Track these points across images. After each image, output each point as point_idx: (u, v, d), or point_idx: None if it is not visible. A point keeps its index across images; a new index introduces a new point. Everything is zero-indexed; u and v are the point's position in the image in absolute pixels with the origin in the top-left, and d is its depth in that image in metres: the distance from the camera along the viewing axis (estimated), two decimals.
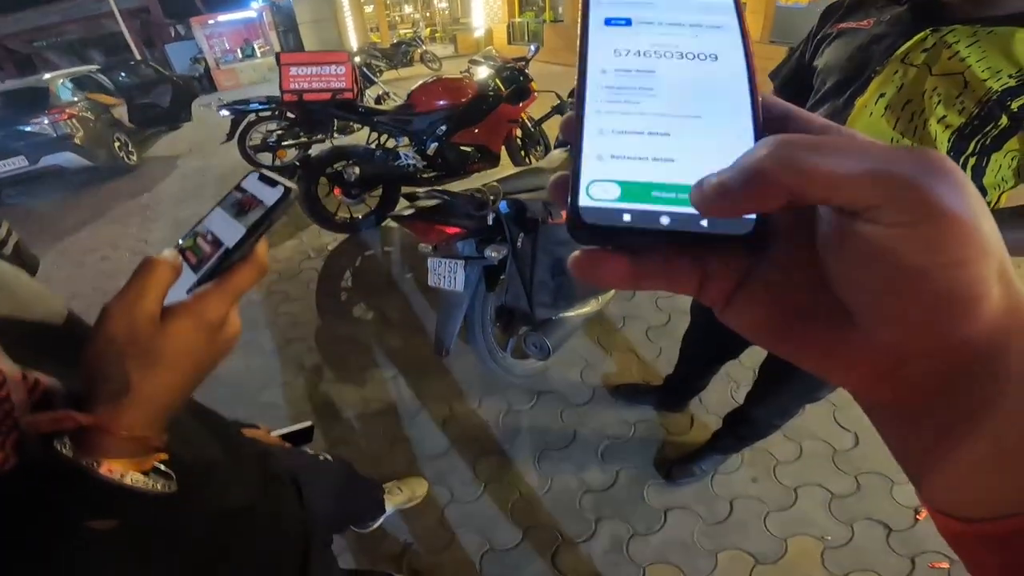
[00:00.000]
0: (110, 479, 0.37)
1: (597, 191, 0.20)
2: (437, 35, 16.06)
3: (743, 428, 1.60)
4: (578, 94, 0.22)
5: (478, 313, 1.93)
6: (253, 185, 0.46)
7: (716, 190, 0.17)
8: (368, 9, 15.86)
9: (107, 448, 0.37)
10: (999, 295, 0.15)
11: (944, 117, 0.88)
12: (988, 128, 0.86)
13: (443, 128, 3.36)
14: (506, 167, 2.80)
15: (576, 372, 2.22)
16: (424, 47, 11.02)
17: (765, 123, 0.20)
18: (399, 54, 10.75)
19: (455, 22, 13.63)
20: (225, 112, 4.36)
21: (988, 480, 0.16)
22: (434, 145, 3.35)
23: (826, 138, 0.16)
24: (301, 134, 3.85)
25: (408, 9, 20.01)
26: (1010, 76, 0.84)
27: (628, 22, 0.23)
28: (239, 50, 14.13)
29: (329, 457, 1.04)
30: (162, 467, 0.41)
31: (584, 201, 0.20)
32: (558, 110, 3.62)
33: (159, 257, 0.39)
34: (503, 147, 3.62)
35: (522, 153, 3.78)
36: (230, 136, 4.63)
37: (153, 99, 7.84)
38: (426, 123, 3.34)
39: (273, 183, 0.45)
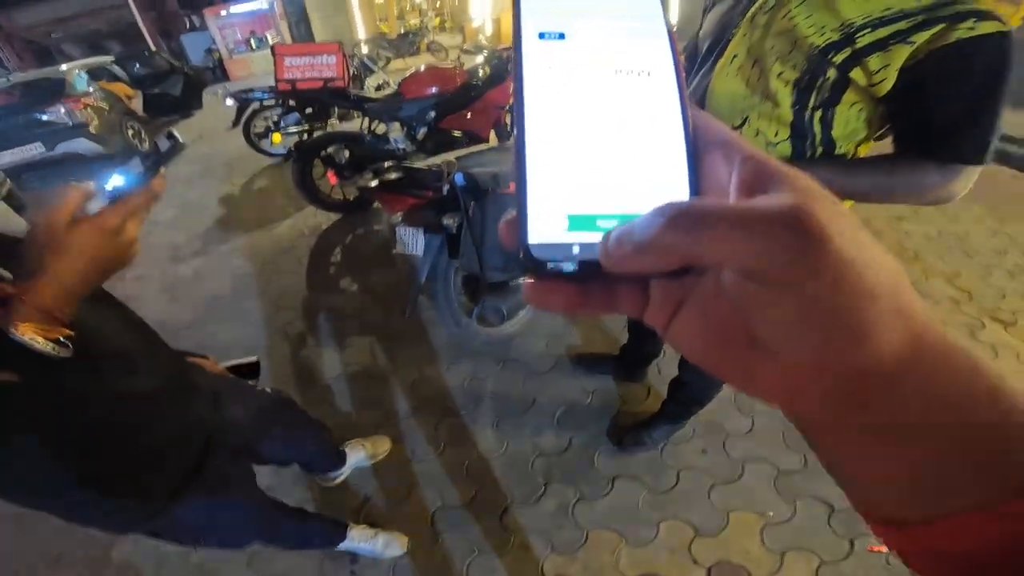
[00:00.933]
0: (18, 338, 0.50)
1: (543, 227, 0.20)
2: (447, 25, 16.08)
3: (680, 392, 1.66)
4: (517, 121, 0.21)
5: (441, 279, 2.07)
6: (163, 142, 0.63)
7: (617, 250, 0.19)
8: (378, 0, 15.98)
9: (23, 314, 0.51)
10: (896, 329, 0.17)
11: (781, 73, 0.93)
12: (819, 82, 0.90)
13: (432, 114, 3.47)
14: None
15: (541, 342, 2.32)
16: (431, 36, 11.10)
17: (703, 147, 0.21)
18: (406, 44, 10.84)
19: (463, 12, 13.66)
20: (230, 101, 4.57)
21: (899, 488, 0.18)
22: (423, 130, 3.47)
23: (716, 207, 0.17)
24: (302, 121, 4.00)
25: None
26: (833, 31, 0.88)
27: (561, 36, 0.23)
28: (251, 40, 14.37)
29: (268, 390, 1.17)
30: (63, 339, 0.54)
31: (532, 238, 0.20)
32: None
33: (75, 185, 0.56)
34: (492, 131, 3.71)
35: (510, 136, 3.89)
36: (235, 123, 4.80)
37: (165, 89, 8.12)
38: (416, 109, 3.46)
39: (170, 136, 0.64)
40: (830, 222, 0.16)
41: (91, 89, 6.15)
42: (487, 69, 3.62)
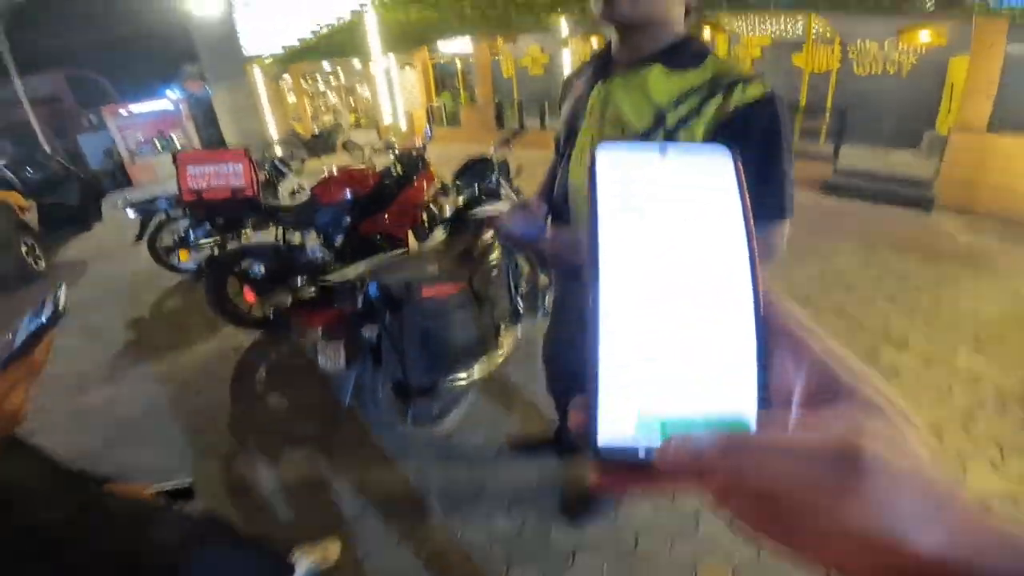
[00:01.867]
0: None
1: (613, 428, 0.21)
2: (362, 122, 16.62)
3: None
4: (592, 308, 0.21)
5: (368, 387, 2.13)
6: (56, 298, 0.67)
7: (674, 460, 0.20)
8: (291, 99, 16.35)
9: None
10: (932, 533, 0.17)
11: None
12: None
13: (347, 219, 3.51)
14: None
15: (481, 433, 2.39)
16: (347, 135, 11.41)
17: (775, 339, 0.22)
18: (321, 143, 11.07)
19: (377, 108, 14.27)
20: (132, 212, 4.28)
21: None
22: (341, 237, 3.49)
23: (769, 443, 0.19)
24: (213, 233, 3.83)
25: (332, 98, 20.73)
26: (649, 114, 0.97)
27: (640, 212, 0.22)
28: (155, 142, 13.47)
29: (196, 512, 1.17)
30: None
31: (603, 440, 0.21)
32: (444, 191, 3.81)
33: None
34: (410, 232, 3.75)
35: (428, 235, 4.02)
36: (139, 237, 4.51)
37: (61, 197, 7.37)
38: (330, 216, 3.49)
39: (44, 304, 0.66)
40: (876, 451, 0.18)
41: None
42: (399, 168, 3.73)
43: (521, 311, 2.60)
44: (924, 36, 6.57)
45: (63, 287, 1.16)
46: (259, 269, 2.94)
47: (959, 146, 5.68)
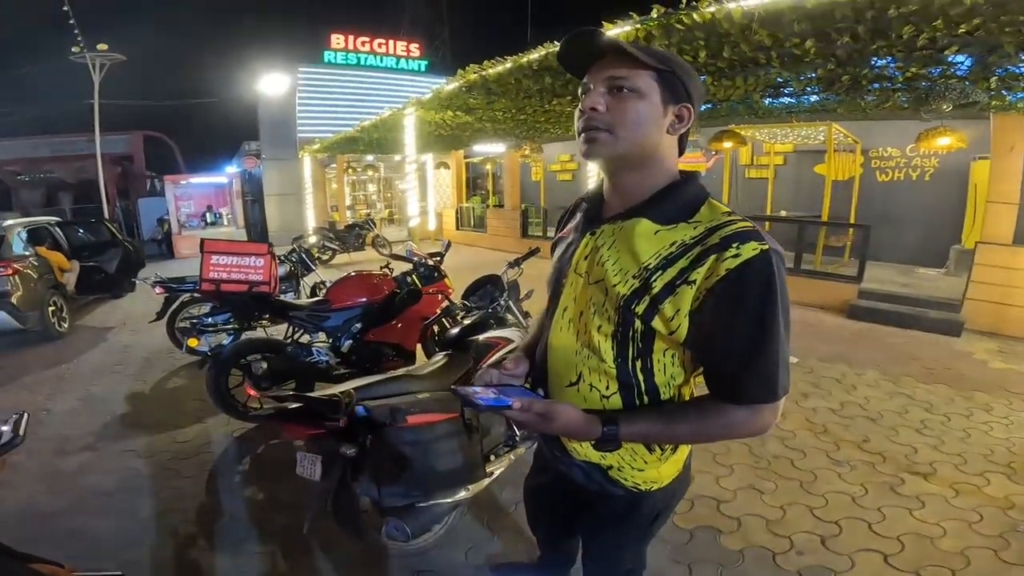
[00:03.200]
0: None
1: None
2: (395, 217, 17.34)
3: None
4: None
5: (344, 500, 2.02)
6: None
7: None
8: (334, 186, 17.36)
9: None
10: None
11: (600, 327, 0.93)
12: (631, 333, 0.91)
13: (358, 326, 3.50)
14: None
15: (461, 552, 2.25)
16: (376, 231, 11.68)
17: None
18: (352, 236, 11.24)
19: (406, 207, 14.83)
20: (159, 290, 4.46)
21: None
22: (349, 343, 3.45)
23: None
24: (230, 321, 3.90)
25: (372, 188, 21.84)
26: (634, 276, 0.89)
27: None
28: (204, 215, 14.04)
29: None
30: None
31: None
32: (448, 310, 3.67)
33: None
34: (419, 344, 3.72)
35: (438, 350, 3.92)
36: (159, 315, 4.64)
37: (101, 263, 7.61)
38: (341, 320, 3.49)
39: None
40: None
41: (27, 253, 5.78)
42: (415, 278, 3.75)
43: (517, 437, 2.49)
44: (944, 141, 6.64)
45: (25, 417, 1.16)
46: (262, 366, 2.94)
47: (985, 261, 5.52)
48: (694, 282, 0.83)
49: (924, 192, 8.15)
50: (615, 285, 0.90)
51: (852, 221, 7.86)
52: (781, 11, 3.45)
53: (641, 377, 0.94)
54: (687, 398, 1.00)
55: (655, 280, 0.86)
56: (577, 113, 0.95)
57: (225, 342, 3.53)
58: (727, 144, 8.12)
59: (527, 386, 1.11)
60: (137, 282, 7.69)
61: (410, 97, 8.28)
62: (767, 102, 6.04)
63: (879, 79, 4.60)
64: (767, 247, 0.81)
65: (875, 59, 4.09)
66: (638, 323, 0.89)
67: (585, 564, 1.31)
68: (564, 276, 1.04)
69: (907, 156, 8.28)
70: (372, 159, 16.63)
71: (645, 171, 0.93)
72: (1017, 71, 3.94)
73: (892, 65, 4.18)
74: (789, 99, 5.82)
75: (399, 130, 8.74)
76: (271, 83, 14.86)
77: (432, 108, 7.94)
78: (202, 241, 3.58)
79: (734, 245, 0.81)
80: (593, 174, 9.75)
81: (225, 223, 14.38)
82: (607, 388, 0.96)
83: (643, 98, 0.89)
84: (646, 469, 1.03)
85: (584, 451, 1.04)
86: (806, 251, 7.18)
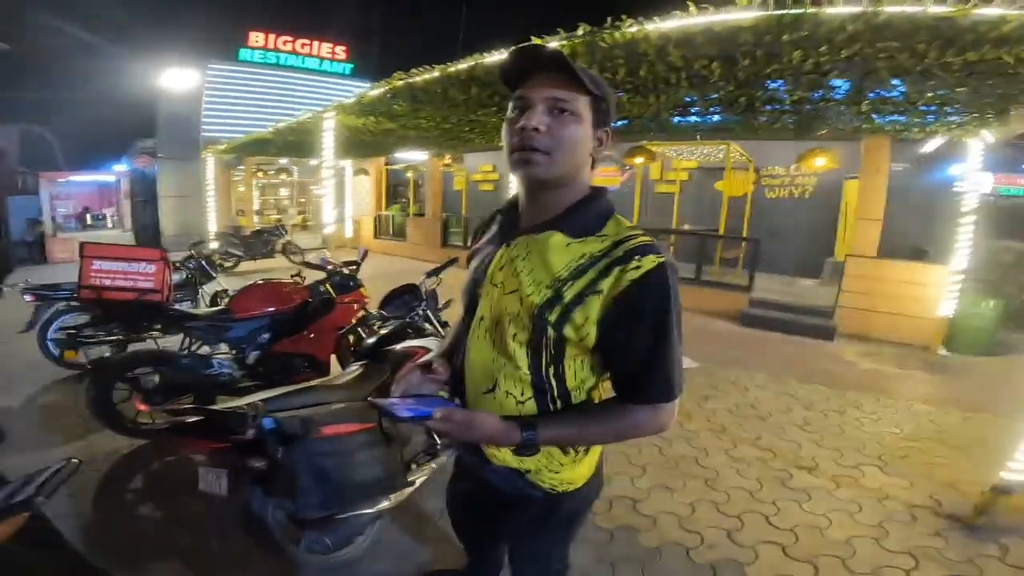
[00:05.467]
0: None
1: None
2: (308, 223, 16.49)
3: None
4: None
5: (255, 515, 1.93)
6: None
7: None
8: (241, 189, 16.15)
9: None
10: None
11: (516, 335, 0.96)
12: (544, 340, 0.94)
13: (266, 336, 3.26)
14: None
15: (388, 563, 2.18)
16: (288, 237, 10.99)
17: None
18: (260, 243, 10.48)
19: (322, 213, 14.15)
20: (27, 297, 3.97)
21: None
22: (255, 354, 3.20)
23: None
24: (114, 331, 3.47)
25: (284, 192, 20.58)
26: (547, 286, 0.92)
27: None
28: (86, 216, 12.56)
29: None
30: None
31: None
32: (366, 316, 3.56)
33: None
34: (333, 355, 3.52)
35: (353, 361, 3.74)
36: (30, 325, 4.06)
37: None
38: (246, 330, 3.23)
39: None
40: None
41: None
42: (329, 287, 3.54)
43: (438, 445, 2.44)
44: (820, 161, 7.45)
45: (63, 469, 0.99)
46: (153, 380, 2.64)
47: (853, 273, 6.29)
48: (601, 291, 0.89)
49: (804, 209, 9.11)
50: (529, 295, 0.93)
51: (744, 235, 8.62)
52: (693, 34, 3.75)
53: (554, 382, 0.98)
54: (596, 400, 1.05)
55: (566, 290, 0.91)
56: (509, 127, 0.95)
57: (108, 354, 3.15)
58: (639, 159, 8.63)
59: (444, 395, 1.10)
60: (4, 289, 6.78)
61: (331, 101, 7.98)
62: (675, 120, 6.44)
63: (771, 101, 5.07)
64: (664, 259, 0.89)
65: (769, 82, 4.51)
66: (551, 331, 0.93)
67: (512, 568, 1.32)
68: (480, 287, 1.04)
69: (791, 175, 9.22)
70: (286, 162, 15.80)
71: (564, 189, 0.97)
72: (887, 95, 4.47)
73: (782, 88, 4.63)
74: (695, 118, 6.25)
75: (317, 134, 8.39)
76: (174, 78, 13.55)
77: (354, 113, 7.74)
78: (82, 245, 3.25)
79: (636, 257, 0.88)
80: (514, 184, 9.87)
81: (110, 225, 12.87)
82: (522, 394, 0.99)
83: (580, 122, 0.93)
84: (562, 471, 1.06)
85: (503, 456, 1.05)
86: (706, 262, 7.77)
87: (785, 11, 3.33)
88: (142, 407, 2.68)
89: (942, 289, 5.70)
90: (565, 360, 0.96)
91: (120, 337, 3.47)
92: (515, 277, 0.96)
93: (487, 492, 1.15)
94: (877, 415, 3.90)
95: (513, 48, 0.93)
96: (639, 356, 0.92)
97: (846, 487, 2.87)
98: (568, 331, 0.92)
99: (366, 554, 2.17)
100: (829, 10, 3.24)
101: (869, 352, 5.63)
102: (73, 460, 0.92)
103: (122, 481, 2.78)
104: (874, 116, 5.19)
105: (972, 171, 5.85)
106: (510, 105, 0.97)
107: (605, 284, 0.89)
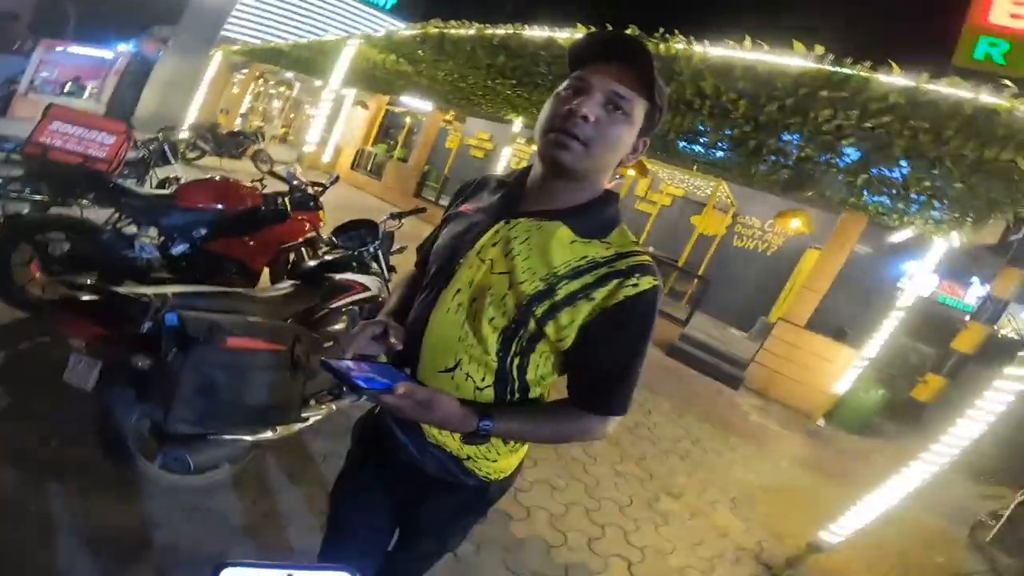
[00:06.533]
0: None
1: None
2: (289, 138, 15.98)
3: None
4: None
5: (118, 416, 1.81)
6: None
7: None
8: (235, 91, 15.51)
9: None
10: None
11: (493, 319, 0.91)
12: (522, 332, 0.90)
13: (203, 232, 3.13)
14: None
15: (250, 497, 2.10)
16: (262, 145, 10.72)
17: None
18: (232, 144, 10.18)
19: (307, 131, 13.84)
20: None
21: None
22: (184, 247, 3.08)
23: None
24: (43, 192, 3.27)
25: (276, 104, 19.87)
26: (541, 279, 0.88)
27: None
28: (66, 84, 12.25)
29: None
30: None
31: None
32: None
33: None
34: (267, 267, 3.41)
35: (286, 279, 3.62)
36: None
37: None
38: (185, 219, 3.09)
39: None
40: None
41: None
42: (287, 200, 3.42)
43: (345, 389, 2.40)
44: (795, 223, 7.72)
45: None
46: (63, 247, 2.48)
47: (778, 336, 6.66)
48: (594, 299, 0.87)
49: (762, 264, 9.44)
50: (522, 283, 0.89)
51: (700, 273, 8.85)
52: (733, 66, 3.71)
53: (515, 374, 0.95)
54: (546, 397, 1.04)
55: (560, 287, 0.88)
56: (556, 105, 0.89)
57: (25, 212, 2.97)
58: (632, 171, 8.66)
59: (386, 362, 1.00)
60: None
61: (359, 29, 7.69)
62: (681, 144, 6.46)
63: (778, 152, 5.10)
64: (658, 283, 0.88)
65: (784, 133, 4.51)
66: (532, 324, 0.89)
67: (404, 546, 1.20)
68: (460, 256, 0.96)
69: (764, 229, 9.49)
70: (290, 76, 15.18)
71: (582, 184, 0.93)
72: (887, 174, 4.50)
73: (795, 142, 4.63)
74: (700, 148, 6.27)
75: (334, 57, 8.13)
76: None
77: (379, 47, 7.50)
78: (49, 105, 3.19)
79: (636, 275, 0.87)
80: (505, 158, 9.80)
81: (86, 96, 12.50)
82: (483, 380, 0.95)
83: (631, 125, 0.90)
84: (499, 460, 1.04)
85: (444, 439, 1.00)
86: None
87: (838, 69, 3.28)
88: (38, 274, 2.53)
89: (844, 368, 6.10)
90: (532, 354, 0.93)
91: (46, 198, 3.27)
92: (508, 259, 0.91)
93: (408, 473, 1.07)
94: (747, 463, 4.25)
95: (600, 31, 0.88)
96: (611, 368, 0.92)
97: (699, 518, 3.11)
98: (550, 328, 0.89)
99: (227, 483, 2.07)
100: (881, 77, 3.17)
101: (763, 407, 6.09)
102: None
103: None
104: (865, 192, 5.27)
105: (923, 269, 6.18)
106: (565, 83, 0.91)
107: (600, 293, 0.87)
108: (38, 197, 3.27)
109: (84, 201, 3.32)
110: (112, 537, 1.76)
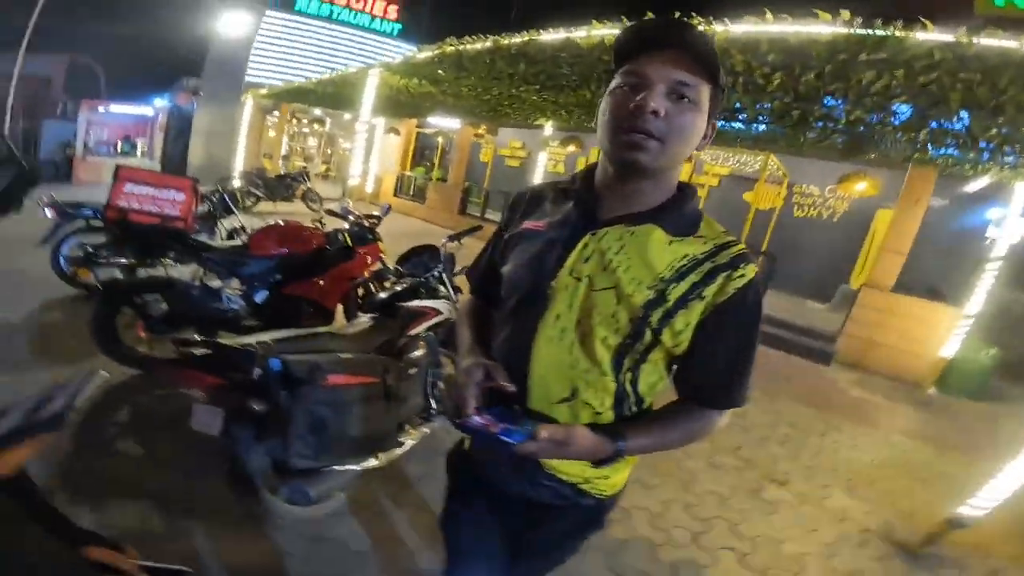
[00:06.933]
0: None
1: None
2: (331, 174, 16.56)
3: None
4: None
5: (244, 457, 1.90)
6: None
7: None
8: (272, 134, 16.28)
9: None
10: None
11: (606, 338, 0.87)
12: (637, 345, 0.87)
13: (278, 276, 3.28)
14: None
15: (362, 522, 2.17)
16: (309, 184, 11.05)
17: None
18: (282, 187, 10.57)
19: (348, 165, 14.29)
20: (50, 212, 3.97)
21: None
22: (264, 293, 3.23)
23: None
24: (129, 254, 3.54)
25: (312, 142, 20.65)
26: (649, 287, 0.84)
27: None
28: (118, 144, 13.02)
29: None
30: None
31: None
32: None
33: None
34: (340, 304, 3.54)
35: (360, 314, 3.75)
36: (45, 240, 4.05)
37: None
38: (261, 267, 3.27)
39: None
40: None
41: None
42: (348, 236, 3.58)
43: (435, 411, 2.47)
44: (861, 186, 7.30)
45: (94, 379, 0.84)
46: (160, 307, 2.67)
47: (865, 303, 6.25)
48: (705, 297, 0.84)
49: (829, 232, 8.95)
50: (631, 295, 0.84)
51: (764, 249, 8.49)
52: (760, 41, 3.65)
53: (630, 388, 0.92)
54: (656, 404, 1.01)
55: (670, 292, 0.84)
56: (616, 104, 0.84)
57: (120, 277, 3.19)
58: None
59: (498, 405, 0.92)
60: (27, 202, 6.83)
61: (373, 59, 7.99)
62: (719, 124, 6.26)
63: (825, 118, 4.92)
64: (758, 270, 0.87)
65: (828, 99, 4.37)
66: (648, 335, 0.86)
67: (526, 571, 1.15)
68: (547, 278, 0.90)
69: (824, 196, 9.03)
70: (320, 113, 15.81)
71: (660, 180, 0.89)
72: (948, 127, 4.33)
73: (841, 106, 4.48)
74: (740, 124, 6.11)
75: (359, 88, 8.43)
76: (230, 22, 13.58)
77: (399, 73, 7.71)
78: (117, 167, 3.33)
79: (740, 265, 0.85)
80: (542, 164, 9.79)
81: (139, 154, 13.29)
82: (602, 404, 0.91)
83: (699, 111, 0.85)
84: (612, 476, 1.01)
85: (564, 468, 0.96)
86: None
87: (870, 31, 3.22)
88: (143, 334, 2.71)
89: (948, 330, 5.67)
90: (645, 364, 0.90)
91: (133, 262, 3.51)
92: (609, 273, 0.86)
93: (518, 503, 1.03)
94: (855, 441, 3.99)
95: (644, 21, 0.84)
96: (729, 362, 0.90)
97: (811, 504, 2.97)
98: (666, 336, 0.86)
99: (342, 512, 2.18)
100: (919, 35, 3.13)
101: (862, 381, 5.69)
102: (102, 372, 0.82)
103: (106, 412, 2.71)
104: (929, 147, 5.03)
105: (1011, 216, 5.71)
106: (616, 79, 0.86)
107: (710, 290, 0.84)
108: (124, 261, 3.52)
109: (168, 260, 3.57)
110: (247, 569, 1.88)
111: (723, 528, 2.59)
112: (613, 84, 0.86)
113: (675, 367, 0.94)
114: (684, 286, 0.84)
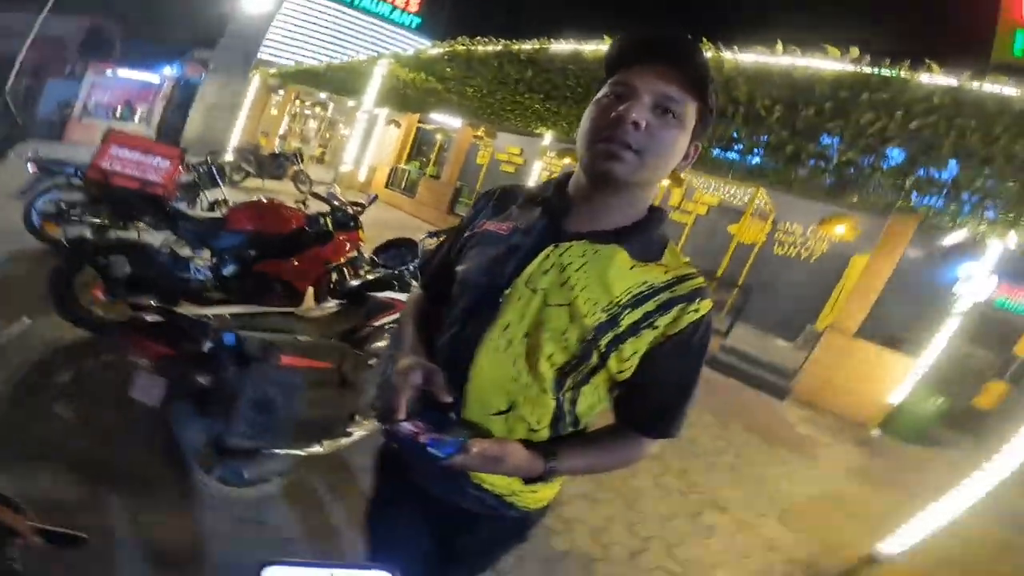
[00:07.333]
0: None
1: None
2: (325, 158, 16.49)
3: None
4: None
5: (180, 431, 1.92)
6: None
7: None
8: (273, 112, 16.19)
9: None
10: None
11: (552, 355, 0.84)
12: (582, 367, 0.85)
13: (252, 252, 3.27)
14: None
15: (298, 509, 2.16)
16: (301, 166, 10.99)
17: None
18: (273, 165, 10.53)
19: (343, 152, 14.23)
20: (32, 167, 3.94)
21: None
22: (234, 268, 3.22)
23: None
24: (103, 215, 3.51)
25: (312, 124, 20.58)
26: (603, 310, 0.82)
27: None
28: (118, 108, 13.06)
29: None
30: None
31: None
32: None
33: None
34: (312, 287, 3.54)
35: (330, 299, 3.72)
36: (23, 192, 4.00)
37: None
38: (234, 241, 3.25)
39: None
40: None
41: None
42: (329, 220, 3.57)
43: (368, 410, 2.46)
44: (840, 229, 7.44)
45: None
46: (125, 270, 2.63)
47: (827, 345, 6.44)
48: (657, 327, 0.83)
49: (806, 272, 9.12)
50: (584, 315, 0.81)
51: (740, 282, 8.63)
52: (771, 73, 3.69)
53: (567, 408, 0.90)
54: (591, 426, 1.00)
55: (623, 318, 0.82)
56: (599, 113, 0.81)
57: (88, 236, 3.14)
58: (666, 181, 8.53)
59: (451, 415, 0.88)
60: (12, 155, 6.73)
61: (387, 50, 8.00)
62: (715, 152, 6.35)
63: (818, 156, 4.96)
64: (712, 305, 0.87)
65: (824, 136, 4.40)
66: (595, 358, 0.84)
67: (447, 573, 1.13)
68: (501, 284, 0.87)
69: (806, 236, 9.20)
70: (324, 97, 15.76)
71: (633, 198, 0.86)
72: (936, 175, 4.33)
73: (836, 145, 4.50)
74: (735, 155, 6.15)
75: (367, 77, 8.45)
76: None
77: (408, 65, 7.74)
78: (108, 130, 3.36)
79: (697, 300, 0.83)
80: (536, 172, 9.84)
81: (136, 120, 13.13)
82: (539, 421, 0.88)
83: (683, 129, 0.82)
84: (539, 491, 1.00)
85: (491, 480, 0.95)
86: None
87: (875, 71, 3.23)
88: (101, 296, 2.67)
89: (900, 378, 5.87)
90: (586, 387, 0.88)
91: (106, 222, 3.47)
92: (566, 289, 0.83)
93: (442, 507, 1.01)
94: (796, 474, 4.14)
95: (639, 31, 0.81)
96: (671, 394, 0.90)
97: (746, 531, 3.06)
98: (612, 361, 0.84)
99: (276, 496, 2.14)
100: (923, 77, 3.12)
101: (812, 419, 5.90)
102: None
103: (47, 374, 2.64)
104: (913, 195, 5.05)
105: (980, 272, 5.86)
106: (604, 88, 0.83)
107: (663, 320, 0.82)
108: (97, 221, 3.49)
109: (141, 224, 3.53)
110: (166, 546, 1.85)
111: (660, 549, 2.63)
112: (600, 92, 0.84)
113: (616, 392, 0.92)
114: (638, 313, 0.82)
